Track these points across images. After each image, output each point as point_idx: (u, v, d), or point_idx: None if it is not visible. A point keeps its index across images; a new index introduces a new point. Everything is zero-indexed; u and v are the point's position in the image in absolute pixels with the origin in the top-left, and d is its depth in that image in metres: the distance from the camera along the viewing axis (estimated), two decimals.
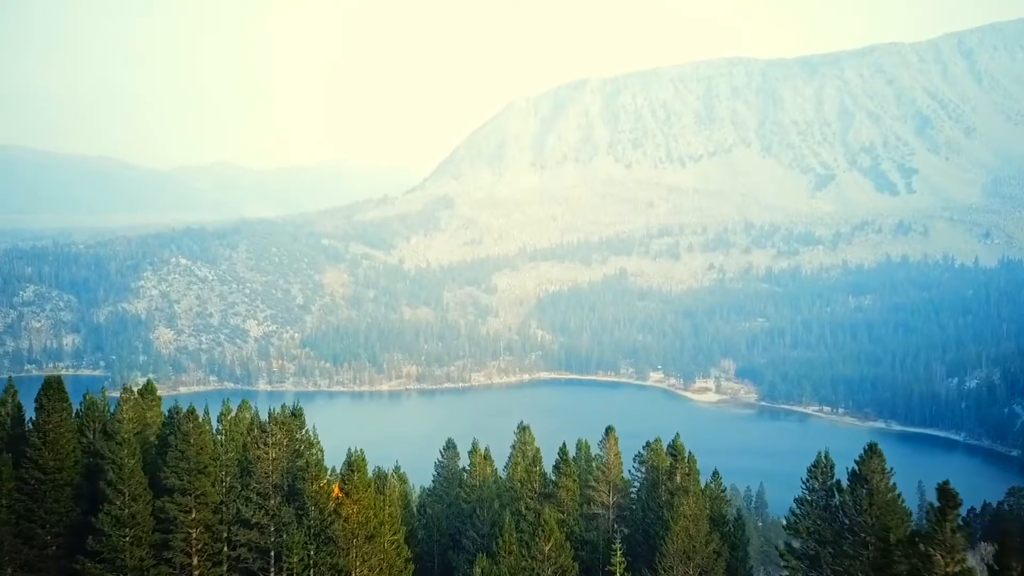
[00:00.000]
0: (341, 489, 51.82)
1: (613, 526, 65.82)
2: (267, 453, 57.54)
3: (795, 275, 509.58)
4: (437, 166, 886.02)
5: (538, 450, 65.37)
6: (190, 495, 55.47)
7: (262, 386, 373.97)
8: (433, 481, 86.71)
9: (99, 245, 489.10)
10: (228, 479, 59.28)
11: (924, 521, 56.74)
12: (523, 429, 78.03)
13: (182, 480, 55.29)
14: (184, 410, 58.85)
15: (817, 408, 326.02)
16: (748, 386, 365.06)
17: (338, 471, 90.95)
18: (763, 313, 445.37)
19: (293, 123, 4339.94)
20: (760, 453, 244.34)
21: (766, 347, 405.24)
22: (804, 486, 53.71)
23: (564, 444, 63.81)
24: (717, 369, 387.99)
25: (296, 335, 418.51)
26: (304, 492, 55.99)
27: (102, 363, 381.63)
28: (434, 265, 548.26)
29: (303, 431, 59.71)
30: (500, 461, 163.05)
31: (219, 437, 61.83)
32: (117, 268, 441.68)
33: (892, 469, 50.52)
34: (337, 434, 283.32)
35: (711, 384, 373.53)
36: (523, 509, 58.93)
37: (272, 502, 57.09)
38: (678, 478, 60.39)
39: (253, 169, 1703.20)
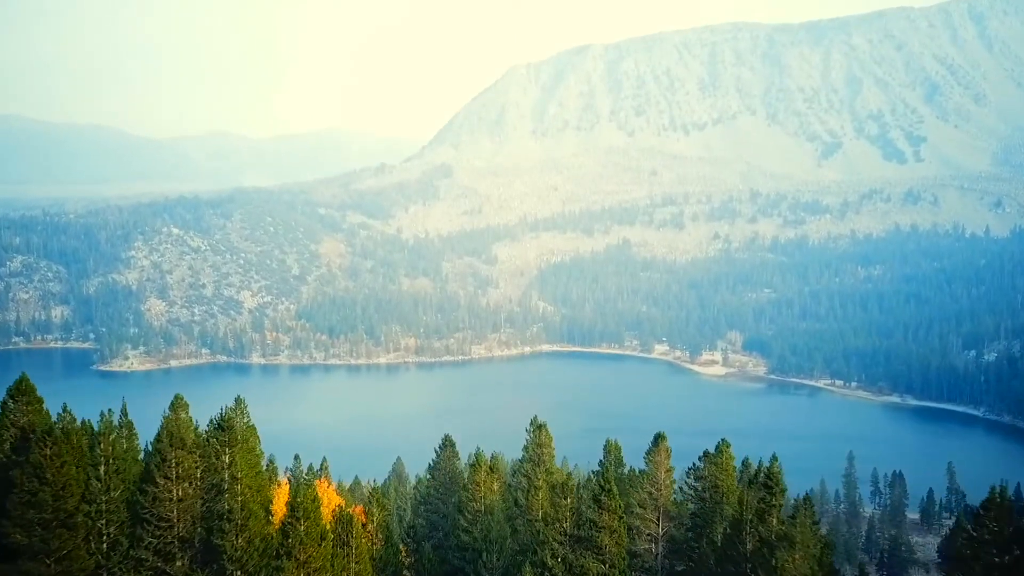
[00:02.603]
0: (281, 547, 36.70)
1: (663, 565, 52.40)
2: (170, 492, 40.94)
3: (802, 245, 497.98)
4: (436, 134, 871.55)
5: (569, 476, 49.92)
6: (46, 559, 38.18)
7: (256, 359, 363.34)
8: (427, 487, 70.83)
9: (89, 214, 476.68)
10: (111, 532, 41.79)
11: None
12: (538, 428, 61.52)
13: (31, 537, 38.04)
14: (53, 424, 42.34)
15: (829, 381, 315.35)
16: (756, 359, 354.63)
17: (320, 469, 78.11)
18: (770, 284, 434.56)
19: (290, 92, 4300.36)
20: (774, 431, 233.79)
21: (773, 319, 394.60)
22: (967, 533, 41.83)
23: (605, 467, 49.26)
24: (724, 341, 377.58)
25: (291, 306, 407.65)
26: (225, 550, 39.92)
27: (92, 335, 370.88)
28: (433, 235, 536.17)
29: (232, 452, 41.48)
30: (506, 447, 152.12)
31: (98, 469, 41.43)
32: (107, 238, 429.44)
33: None
34: (333, 411, 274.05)
35: (718, 357, 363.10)
36: (548, 559, 44.55)
37: (178, 564, 41.48)
38: (774, 521, 44.35)
39: (250, 138, 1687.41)
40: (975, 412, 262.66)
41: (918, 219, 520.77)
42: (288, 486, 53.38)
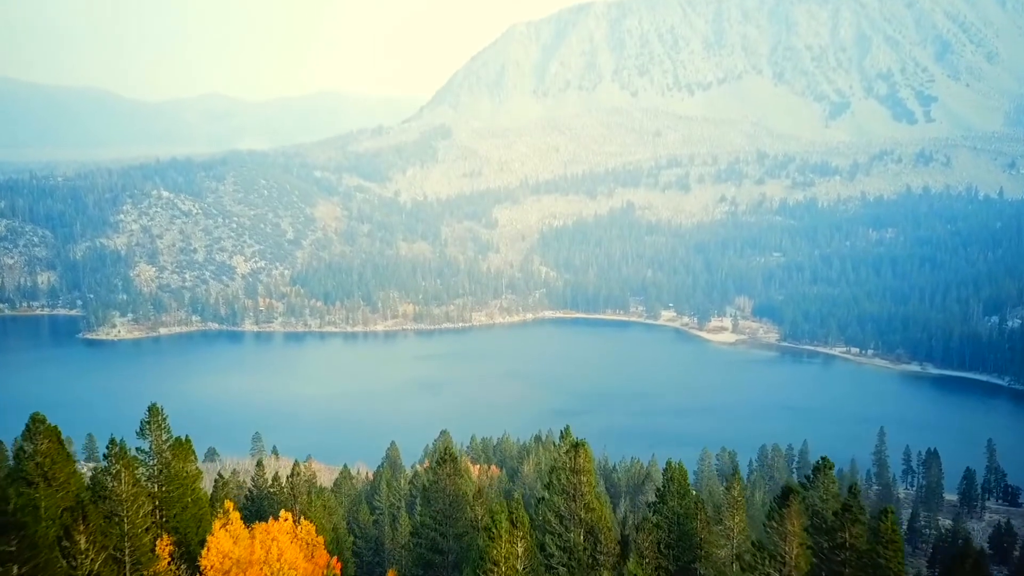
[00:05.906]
0: None
1: None
2: None
3: (811, 207, 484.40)
4: (434, 94, 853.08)
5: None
6: None
7: (248, 326, 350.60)
8: (421, 514, 53.17)
9: (78, 177, 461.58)
10: None
11: None
12: (574, 447, 44.15)
13: None
14: None
15: (844, 349, 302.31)
16: (767, 325, 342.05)
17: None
18: (779, 247, 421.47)
19: (287, 53, 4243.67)
20: (794, 405, 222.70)
21: (783, 283, 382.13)
22: None
23: (666, 497, 32.46)
24: (732, 307, 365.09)
25: (286, 272, 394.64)
26: None
27: (79, 302, 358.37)
28: (431, 198, 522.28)
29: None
30: (509, 427, 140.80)
31: None
32: (95, 201, 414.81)
33: None
34: (326, 382, 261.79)
35: (727, 323, 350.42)
36: None
37: None
38: None
39: (246, 101, 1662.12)
40: (999, 381, 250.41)
41: (930, 180, 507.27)
42: (234, 518, 40.04)
